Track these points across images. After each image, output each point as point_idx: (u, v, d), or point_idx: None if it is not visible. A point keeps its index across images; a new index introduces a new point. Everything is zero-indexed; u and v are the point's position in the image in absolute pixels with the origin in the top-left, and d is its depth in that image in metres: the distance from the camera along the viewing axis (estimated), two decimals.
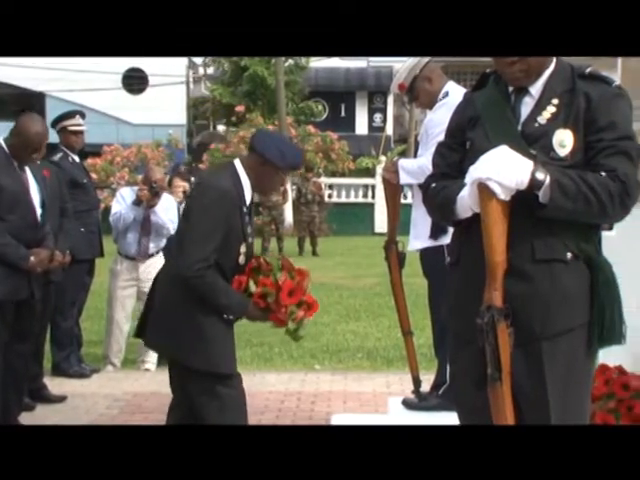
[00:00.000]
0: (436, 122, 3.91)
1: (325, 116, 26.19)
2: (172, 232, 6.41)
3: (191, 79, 26.50)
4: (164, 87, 24.07)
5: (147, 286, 6.41)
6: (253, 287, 3.17)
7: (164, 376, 6.56)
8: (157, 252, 6.44)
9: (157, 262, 6.49)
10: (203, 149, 22.01)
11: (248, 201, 3.25)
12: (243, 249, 3.23)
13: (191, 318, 3.11)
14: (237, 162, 3.25)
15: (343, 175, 21.67)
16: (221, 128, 25.67)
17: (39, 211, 4.47)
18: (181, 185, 6.93)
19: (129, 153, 20.89)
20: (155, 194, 6.20)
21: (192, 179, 7.76)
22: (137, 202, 6.20)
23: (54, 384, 5.54)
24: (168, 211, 6.37)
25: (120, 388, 5.75)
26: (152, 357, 6.57)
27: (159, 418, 5.12)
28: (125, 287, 6.36)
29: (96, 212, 6.41)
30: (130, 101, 24.33)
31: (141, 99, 24.43)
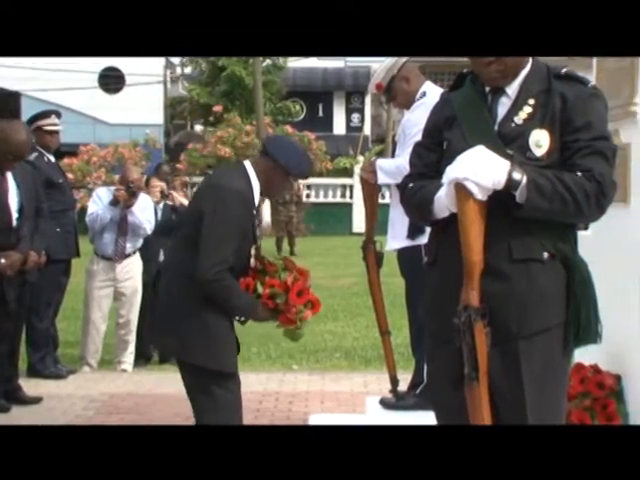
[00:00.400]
0: (413, 122, 3.92)
1: (303, 116, 26.19)
2: (149, 232, 6.39)
3: (168, 79, 26.39)
4: (141, 87, 23.95)
5: (124, 286, 6.45)
6: (260, 289, 3.20)
7: (141, 377, 6.54)
8: (134, 252, 6.41)
9: (134, 262, 6.47)
10: (180, 149, 21.94)
11: (257, 203, 3.26)
12: (253, 251, 3.25)
13: (197, 316, 3.10)
14: (247, 164, 3.25)
15: (321, 175, 21.67)
16: (199, 128, 25.61)
17: (15, 215, 4.43)
18: (158, 185, 6.91)
19: (106, 153, 20.76)
20: (132, 194, 6.17)
21: (169, 179, 7.73)
22: (114, 202, 6.17)
23: (29, 385, 5.49)
24: (145, 211, 6.35)
25: (97, 389, 5.72)
26: (129, 358, 6.53)
27: (136, 419, 5.11)
28: (101, 287, 6.33)
29: (72, 212, 6.37)
30: (107, 100, 24.19)
31: (118, 99, 24.29)
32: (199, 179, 18.32)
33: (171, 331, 3.15)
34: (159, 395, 5.71)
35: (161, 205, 6.82)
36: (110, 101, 24.17)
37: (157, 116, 24.65)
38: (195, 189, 4.07)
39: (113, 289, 6.37)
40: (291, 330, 3.22)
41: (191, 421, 5.21)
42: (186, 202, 7.90)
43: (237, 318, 3.22)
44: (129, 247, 6.35)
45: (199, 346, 3.10)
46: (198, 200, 3.23)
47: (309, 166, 3.35)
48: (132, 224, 6.25)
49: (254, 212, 3.24)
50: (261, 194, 3.25)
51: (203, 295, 3.06)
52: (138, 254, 6.49)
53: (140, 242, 6.44)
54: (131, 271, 6.43)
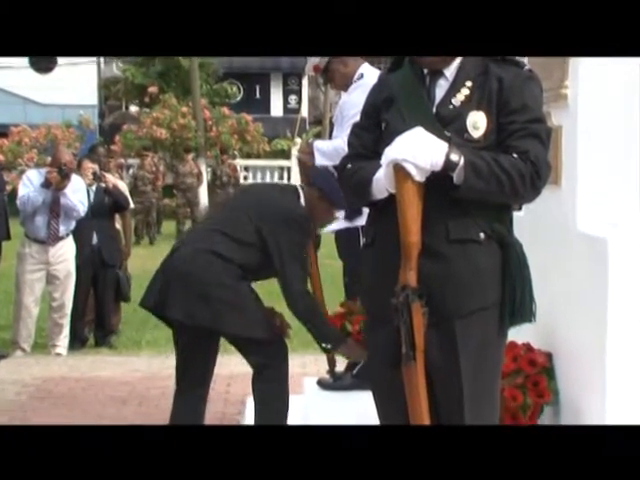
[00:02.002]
0: (351, 104, 3.93)
1: (240, 98, 25.99)
2: (82, 214, 6.29)
3: (102, 59, 25.88)
4: (74, 66, 23.42)
5: (57, 269, 6.35)
6: (349, 327, 3.61)
7: (75, 360, 6.45)
8: (67, 235, 6.31)
9: (67, 245, 6.37)
10: (115, 130, 21.58)
11: None
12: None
13: (227, 288, 3.36)
14: (300, 189, 3.55)
15: (258, 157, 21.57)
16: (134, 109, 25.21)
17: None
18: (90, 167, 6.79)
19: (38, 134, 20.28)
20: (64, 176, 6.07)
21: (104, 161, 7.59)
22: (46, 184, 6.06)
23: None
24: (78, 193, 6.25)
25: (29, 374, 5.63)
26: (63, 341, 6.45)
27: (69, 403, 5.04)
28: (34, 271, 6.22)
29: (2, 194, 6.24)
30: (38, 80, 23.61)
31: (50, 78, 23.73)
32: (134, 161, 18.08)
33: (199, 300, 3.32)
34: (94, 379, 5.65)
35: (94, 187, 6.72)
36: (42, 81, 23.60)
37: (91, 97, 24.18)
38: (242, 193, 4.30)
39: (46, 272, 6.26)
40: None
41: (127, 404, 5.18)
42: (120, 184, 7.80)
43: (323, 345, 3.55)
44: (62, 230, 6.25)
45: (232, 316, 3.36)
46: (261, 213, 3.44)
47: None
48: (65, 206, 6.15)
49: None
50: None
51: (231, 270, 3.36)
52: (71, 237, 6.39)
53: (73, 224, 6.34)
54: (64, 254, 6.33)
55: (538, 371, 3.02)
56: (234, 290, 3.40)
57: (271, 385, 3.48)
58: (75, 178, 6.27)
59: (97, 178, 6.71)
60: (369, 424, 2.49)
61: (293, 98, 27.39)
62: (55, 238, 6.20)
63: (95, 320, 6.92)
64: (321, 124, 23.66)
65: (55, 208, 6.14)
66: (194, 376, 3.55)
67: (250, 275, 3.48)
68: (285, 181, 21.84)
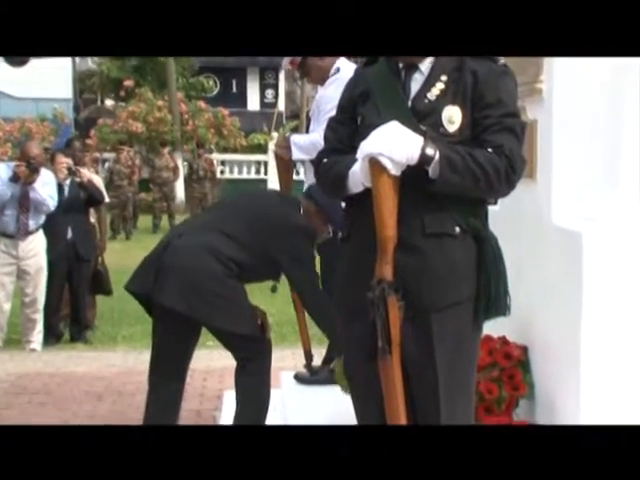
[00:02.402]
0: (328, 98, 3.93)
1: (216, 92, 25.91)
2: (52, 208, 6.24)
3: None
4: (48, 59, 23.21)
5: (28, 264, 6.29)
6: None
7: (50, 356, 6.40)
8: (37, 229, 6.27)
9: (37, 239, 6.32)
10: (91, 124, 21.43)
11: None
12: None
13: (221, 284, 3.40)
14: (301, 202, 3.63)
15: (235, 151, 21.51)
16: (109, 103, 25.06)
17: None
18: (64, 161, 6.72)
19: (12, 127, 20.12)
20: (33, 170, 6.02)
21: (79, 155, 7.53)
22: (14, 179, 6.01)
23: None
24: (47, 187, 6.21)
25: (4, 369, 5.58)
26: (37, 337, 6.40)
27: (44, 400, 5.01)
28: (3, 265, 6.17)
29: None
30: (12, 74, 23.36)
31: (24, 72, 23.49)
32: (110, 155, 17.96)
33: (194, 292, 3.36)
34: (69, 374, 5.62)
35: (68, 181, 6.67)
36: (16, 74, 23.36)
37: (65, 90, 23.98)
38: (244, 196, 4.41)
39: (16, 267, 6.21)
40: None
41: (102, 400, 5.15)
42: (96, 178, 7.74)
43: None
44: (32, 224, 6.21)
45: (225, 311, 3.41)
46: (263, 217, 3.51)
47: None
48: (34, 200, 6.10)
49: None
50: None
51: (227, 268, 3.41)
52: (41, 231, 6.35)
53: (43, 219, 6.30)
54: (35, 248, 6.29)
55: (513, 364, 3.04)
56: (228, 287, 3.44)
57: (254, 378, 3.54)
58: (45, 172, 6.23)
59: (72, 173, 6.66)
60: (345, 418, 2.50)
61: (270, 92, 27.33)
62: (25, 232, 6.15)
63: (70, 315, 6.88)
64: (298, 118, 23.63)
65: (24, 202, 6.10)
66: (171, 368, 3.55)
67: (244, 275, 3.52)
68: (262, 176, 21.86)
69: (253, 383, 3.55)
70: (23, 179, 5.96)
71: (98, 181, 7.71)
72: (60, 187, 6.48)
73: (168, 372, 3.54)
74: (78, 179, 6.65)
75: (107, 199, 8.06)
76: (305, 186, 4.22)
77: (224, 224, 3.51)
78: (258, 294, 3.52)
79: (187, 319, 3.42)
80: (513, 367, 3.03)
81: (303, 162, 4.23)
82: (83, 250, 6.67)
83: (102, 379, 5.49)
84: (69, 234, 6.60)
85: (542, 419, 2.96)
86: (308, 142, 4.03)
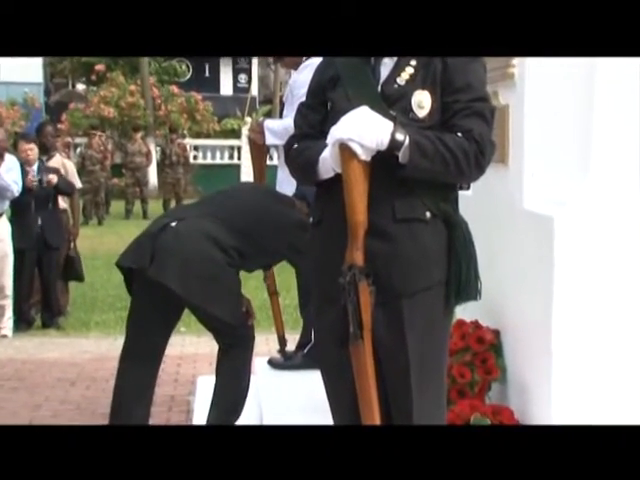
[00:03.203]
0: (301, 83, 3.91)
1: (189, 76, 25.73)
2: (16, 194, 6.19)
3: None
4: None
5: None
6: None
7: (22, 342, 6.35)
8: (0, 214, 6.21)
9: (2, 225, 6.26)
10: (62, 108, 21.21)
11: None
12: None
13: (217, 270, 3.41)
14: (295, 202, 3.68)
15: (208, 136, 21.41)
16: (81, 87, 24.81)
17: None
18: (27, 148, 6.62)
19: None
20: None
21: (51, 140, 7.43)
22: None
23: None
24: (11, 172, 6.15)
25: None
26: (7, 323, 6.35)
27: (16, 385, 4.97)
28: None
29: None
30: None
31: None
32: (82, 140, 17.80)
33: (190, 276, 3.35)
34: (41, 360, 5.59)
35: (35, 168, 6.59)
36: None
37: (36, 74, 23.70)
38: (243, 187, 4.49)
39: None
40: None
41: (75, 386, 5.12)
42: (68, 164, 7.67)
43: None
44: None
45: (218, 298, 3.44)
46: (269, 217, 3.55)
47: None
48: None
49: None
50: None
51: (225, 261, 3.42)
52: (5, 217, 6.30)
53: (7, 204, 6.26)
54: (0, 233, 6.24)
55: (486, 348, 3.05)
56: (228, 275, 3.47)
57: (235, 363, 3.57)
58: (9, 157, 6.17)
59: (39, 181, 6.53)
60: (319, 403, 2.50)
61: (243, 77, 27.19)
62: None
63: (42, 302, 6.82)
64: (271, 103, 23.51)
65: None
66: (147, 350, 3.53)
67: (244, 264, 3.57)
68: (235, 161, 21.76)
69: (234, 367, 3.58)
70: None
71: (71, 167, 7.63)
72: (20, 172, 6.38)
73: (144, 355, 3.52)
74: (46, 179, 6.53)
75: (80, 184, 7.99)
76: (278, 171, 4.21)
77: (224, 214, 3.52)
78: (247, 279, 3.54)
79: (177, 301, 3.42)
80: (486, 351, 3.05)
81: (277, 147, 4.21)
82: (52, 239, 6.62)
83: (75, 365, 5.46)
84: (39, 222, 6.55)
85: (514, 402, 2.98)
86: (282, 127, 4.02)
